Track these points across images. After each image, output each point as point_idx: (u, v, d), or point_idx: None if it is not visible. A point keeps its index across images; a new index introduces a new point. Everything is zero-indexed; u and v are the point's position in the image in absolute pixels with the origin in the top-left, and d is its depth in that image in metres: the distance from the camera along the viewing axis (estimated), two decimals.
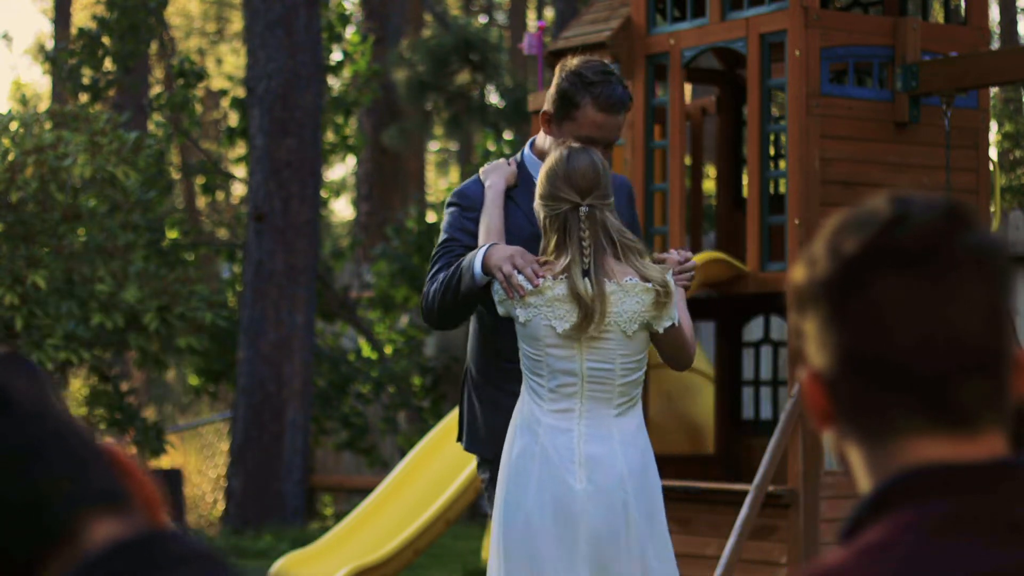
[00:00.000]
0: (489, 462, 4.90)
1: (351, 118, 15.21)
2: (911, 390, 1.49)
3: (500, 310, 4.62)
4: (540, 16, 26.56)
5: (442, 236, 4.89)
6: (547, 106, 4.86)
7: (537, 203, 4.59)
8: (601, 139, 4.79)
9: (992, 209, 7.89)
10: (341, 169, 30.12)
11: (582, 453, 4.51)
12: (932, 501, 1.46)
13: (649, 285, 4.55)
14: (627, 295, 4.53)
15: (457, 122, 15.69)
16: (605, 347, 4.54)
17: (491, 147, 15.00)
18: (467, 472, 8.19)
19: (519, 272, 4.52)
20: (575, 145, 4.64)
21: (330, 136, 14.83)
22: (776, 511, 7.19)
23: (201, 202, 25.25)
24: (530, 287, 4.50)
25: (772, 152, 8.08)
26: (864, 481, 1.53)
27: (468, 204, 4.87)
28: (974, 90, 7.72)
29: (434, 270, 4.83)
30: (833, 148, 7.42)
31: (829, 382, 1.53)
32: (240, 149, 15.64)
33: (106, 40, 13.89)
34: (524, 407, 4.62)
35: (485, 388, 4.90)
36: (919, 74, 7.48)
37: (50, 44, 25.73)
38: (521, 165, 4.98)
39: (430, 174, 30.11)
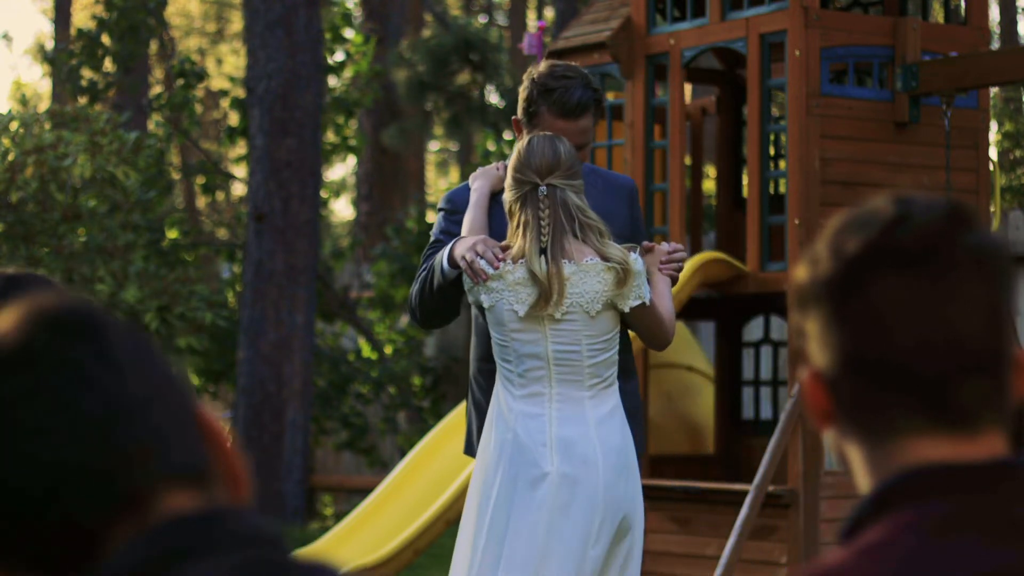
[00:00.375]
0: None
1: (352, 119, 15.22)
2: (911, 390, 1.50)
3: (470, 299, 4.63)
4: (540, 16, 26.56)
5: (430, 240, 4.96)
6: (518, 113, 4.93)
7: (505, 192, 4.62)
8: None
9: (992, 209, 7.89)
10: (341, 169, 30.13)
11: (553, 436, 4.50)
12: (932, 501, 1.46)
13: (609, 264, 4.52)
14: (587, 275, 4.52)
15: (457, 122, 15.69)
16: (569, 328, 4.53)
17: (491, 147, 15.00)
18: (467, 472, 8.18)
19: (481, 258, 4.54)
20: (541, 134, 4.68)
21: (331, 136, 14.84)
22: (776, 511, 7.19)
23: (201, 202, 25.25)
24: (491, 271, 4.51)
25: (772, 152, 8.09)
26: (864, 481, 1.53)
27: (453, 208, 4.92)
28: (974, 90, 7.72)
29: (419, 273, 4.90)
30: (833, 148, 7.42)
31: (830, 381, 1.53)
32: (240, 149, 15.64)
33: (106, 40, 13.89)
34: (497, 396, 4.63)
35: (482, 391, 4.92)
36: (919, 74, 7.48)
37: (50, 44, 25.74)
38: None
39: (430, 174, 30.12)
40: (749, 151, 7.79)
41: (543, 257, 4.49)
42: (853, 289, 1.51)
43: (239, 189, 25.29)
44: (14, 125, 11.34)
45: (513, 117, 5.00)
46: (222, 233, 19.80)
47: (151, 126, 16.42)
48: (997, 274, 1.52)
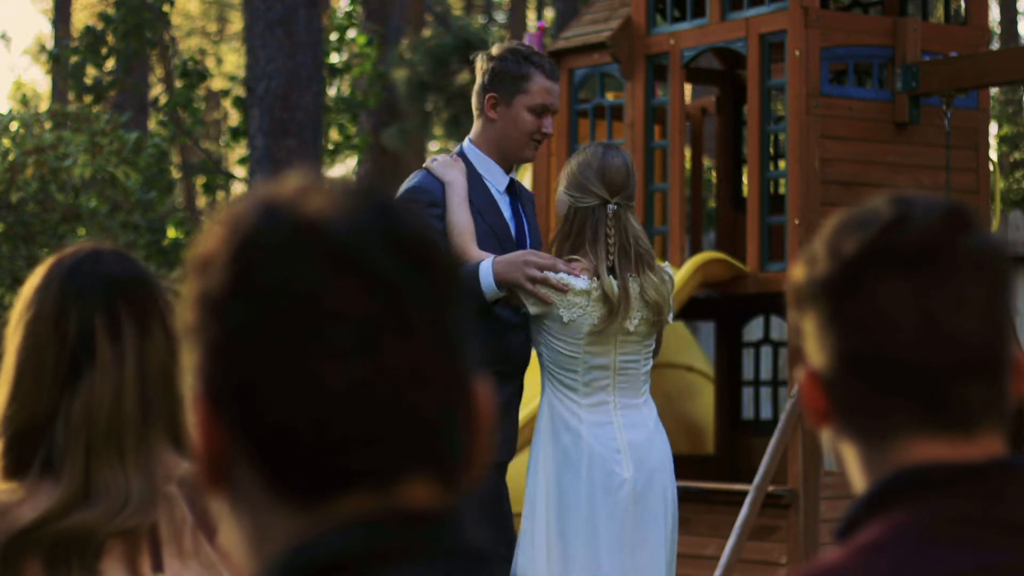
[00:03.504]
0: None
1: (354, 119, 15.22)
2: (909, 391, 1.50)
3: (533, 310, 4.67)
4: (540, 16, 26.56)
5: None
6: (489, 92, 4.89)
7: (562, 192, 4.70)
8: (552, 106, 4.89)
9: (992, 209, 7.89)
10: (341, 169, 30.13)
11: (624, 441, 4.67)
12: (928, 501, 1.46)
13: (665, 278, 4.77)
14: (649, 290, 4.71)
15: (457, 122, 15.69)
16: (633, 340, 4.72)
17: None
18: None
19: (550, 273, 4.61)
20: (608, 143, 4.82)
21: (334, 136, 14.83)
22: (776, 511, 7.19)
23: (202, 202, 25.26)
24: (581, 284, 4.62)
25: (772, 152, 8.09)
26: (859, 481, 1.53)
27: (430, 200, 4.79)
28: (974, 90, 7.72)
29: None
30: (833, 148, 7.42)
31: (827, 382, 1.53)
32: (241, 149, 15.64)
33: (110, 39, 13.90)
34: (553, 405, 4.75)
35: None
36: (919, 74, 7.48)
37: (50, 44, 25.74)
38: (464, 159, 4.97)
39: None
40: (749, 151, 7.79)
41: (610, 276, 4.65)
42: (851, 289, 1.51)
43: (239, 189, 25.29)
44: (14, 125, 11.34)
45: (487, 97, 4.90)
46: None
47: (152, 125, 16.42)
48: (996, 275, 1.52)
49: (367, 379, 1.14)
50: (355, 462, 1.14)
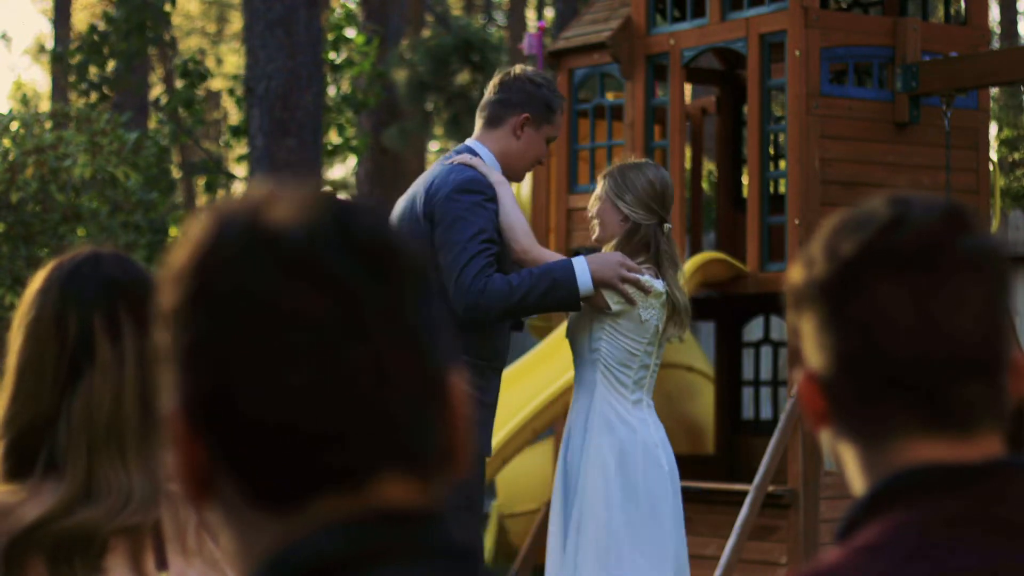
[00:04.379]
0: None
1: (356, 113, 15.22)
2: (908, 392, 1.49)
3: (616, 308, 5.02)
4: (540, 16, 26.56)
5: (477, 230, 4.87)
6: (524, 112, 5.09)
7: (625, 208, 5.08)
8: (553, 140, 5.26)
9: (992, 209, 7.89)
10: (341, 169, 30.13)
11: (659, 436, 5.10)
12: (928, 501, 1.46)
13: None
14: (687, 300, 5.26)
15: (457, 122, 15.69)
16: (665, 345, 5.21)
17: None
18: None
19: (638, 276, 5.00)
20: (658, 165, 5.26)
21: (334, 136, 14.83)
22: (776, 511, 7.19)
23: (203, 202, 25.27)
24: (661, 287, 5.05)
25: (772, 152, 8.09)
26: (858, 482, 1.53)
27: (491, 195, 4.97)
28: (974, 90, 7.72)
29: (479, 267, 4.82)
30: (833, 148, 7.42)
31: (826, 383, 1.53)
32: (241, 149, 15.65)
33: (112, 38, 13.90)
34: (608, 400, 5.07)
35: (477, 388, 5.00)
36: (919, 74, 7.48)
37: (50, 44, 25.74)
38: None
39: None
40: (749, 151, 7.79)
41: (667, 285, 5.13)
42: (850, 291, 1.51)
43: (240, 189, 25.28)
44: (15, 125, 11.34)
45: (524, 114, 5.07)
46: None
47: (153, 124, 16.42)
48: (994, 276, 1.52)
49: (328, 378, 1.16)
50: (324, 462, 1.16)
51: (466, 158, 5.02)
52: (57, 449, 2.25)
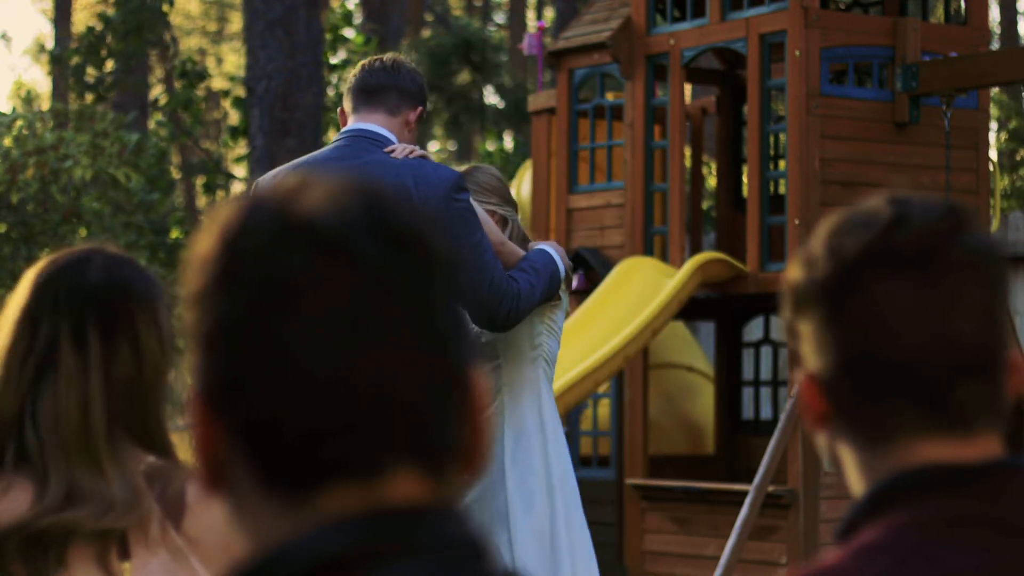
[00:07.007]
0: None
1: None
2: (908, 392, 1.49)
3: (566, 298, 4.95)
4: (540, 16, 26.56)
5: (481, 231, 4.78)
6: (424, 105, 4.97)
7: (496, 208, 4.90)
8: None
9: (992, 205, 7.89)
10: None
11: None
12: (928, 502, 1.46)
13: None
14: None
15: (457, 122, 15.70)
16: None
17: (491, 147, 14.99)
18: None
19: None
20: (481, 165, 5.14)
21: (333, 136, 14.83)
22: (776, 511, 7.19)
23: (202, 202, 25.26)
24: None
25: (772, 152, 8.09)
26: (858, 483, 1.53)
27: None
28: (974, 90, 7.72)
29: (501, 270, 4.75)
30: (833, 148, 7.42)
31: (825, 384, 1.53)
32: (241, 149, 15.65)
33: (110, 39, 13.90)
34: (551, 397, 4.96)
35: None
36: (919, 74, 7.48)
37: (50, 44, 25.74)
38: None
39: None
40: (749, 151, 7.79)
41: None
42: (850, 291, 1.51)
43: (239, 189, 25.27)
44: (18, 124, 11.34)
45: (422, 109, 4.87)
46: None
47: (152, 125, 16.42)
48: (994, 276, 1.52)
49: (350, 367, 1.14)
50: (337, 451, 1.14)
51: (417, 150, 4.80)
52: (27, 448, 2.26)
